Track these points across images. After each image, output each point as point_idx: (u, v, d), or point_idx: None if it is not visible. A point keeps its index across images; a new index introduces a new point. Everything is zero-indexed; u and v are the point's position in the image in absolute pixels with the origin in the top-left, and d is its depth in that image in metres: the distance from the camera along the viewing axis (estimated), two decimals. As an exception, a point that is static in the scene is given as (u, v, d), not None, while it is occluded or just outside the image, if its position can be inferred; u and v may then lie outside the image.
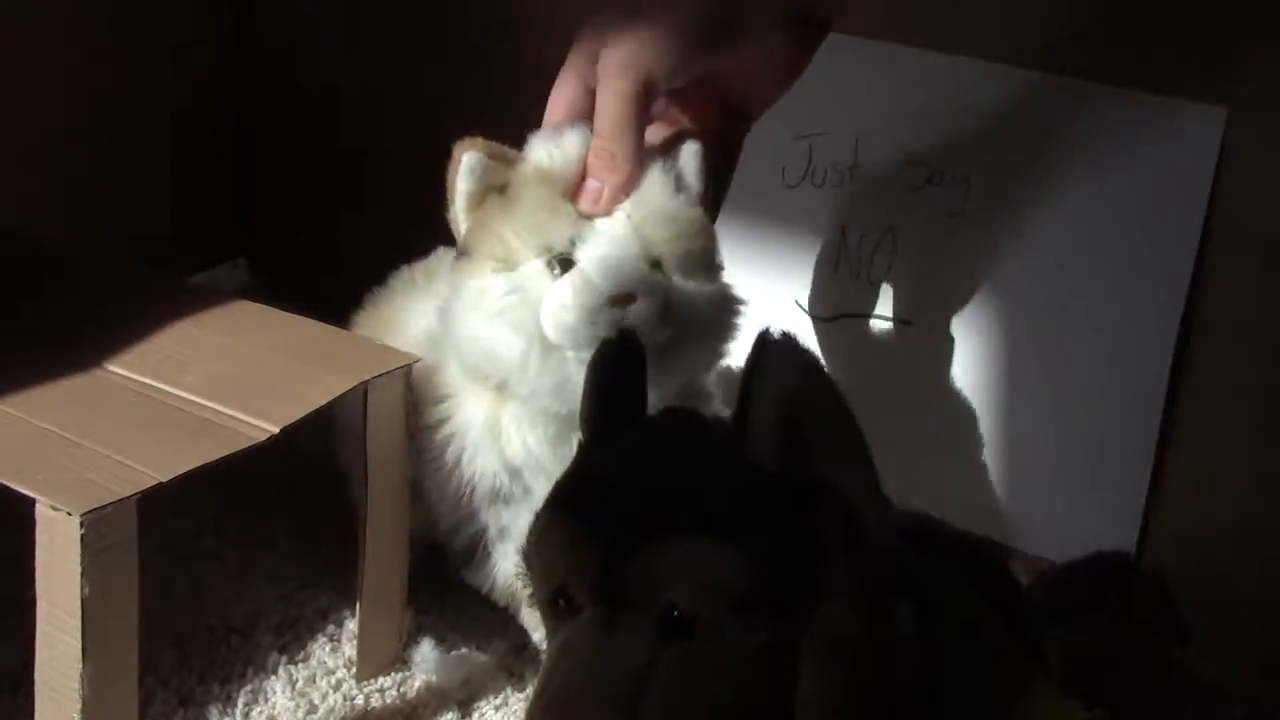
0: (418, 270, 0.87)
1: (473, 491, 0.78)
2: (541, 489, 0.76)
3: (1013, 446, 0.94)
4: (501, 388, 0.74)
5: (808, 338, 0.52)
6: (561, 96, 0.74)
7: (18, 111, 1.07)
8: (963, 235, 0.93)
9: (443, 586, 0.87)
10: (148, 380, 0.75)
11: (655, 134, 0.75)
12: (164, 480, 0.66)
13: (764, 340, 0.53)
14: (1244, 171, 0.84)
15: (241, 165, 1.25)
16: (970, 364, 0.94)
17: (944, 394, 0.95)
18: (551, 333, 0.71)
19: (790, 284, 0.99)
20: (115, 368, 0.76)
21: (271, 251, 1.26)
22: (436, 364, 0.78)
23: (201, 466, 0.67)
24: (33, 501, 0.64)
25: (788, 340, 0.53)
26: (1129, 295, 0.88)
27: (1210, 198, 0.85)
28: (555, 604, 0.56)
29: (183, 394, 0.73)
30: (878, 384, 0.97)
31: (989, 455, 0.94)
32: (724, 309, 0.75)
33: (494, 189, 0.74)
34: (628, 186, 0.71)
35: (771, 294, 0.99)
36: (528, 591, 0.77)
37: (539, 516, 0.57)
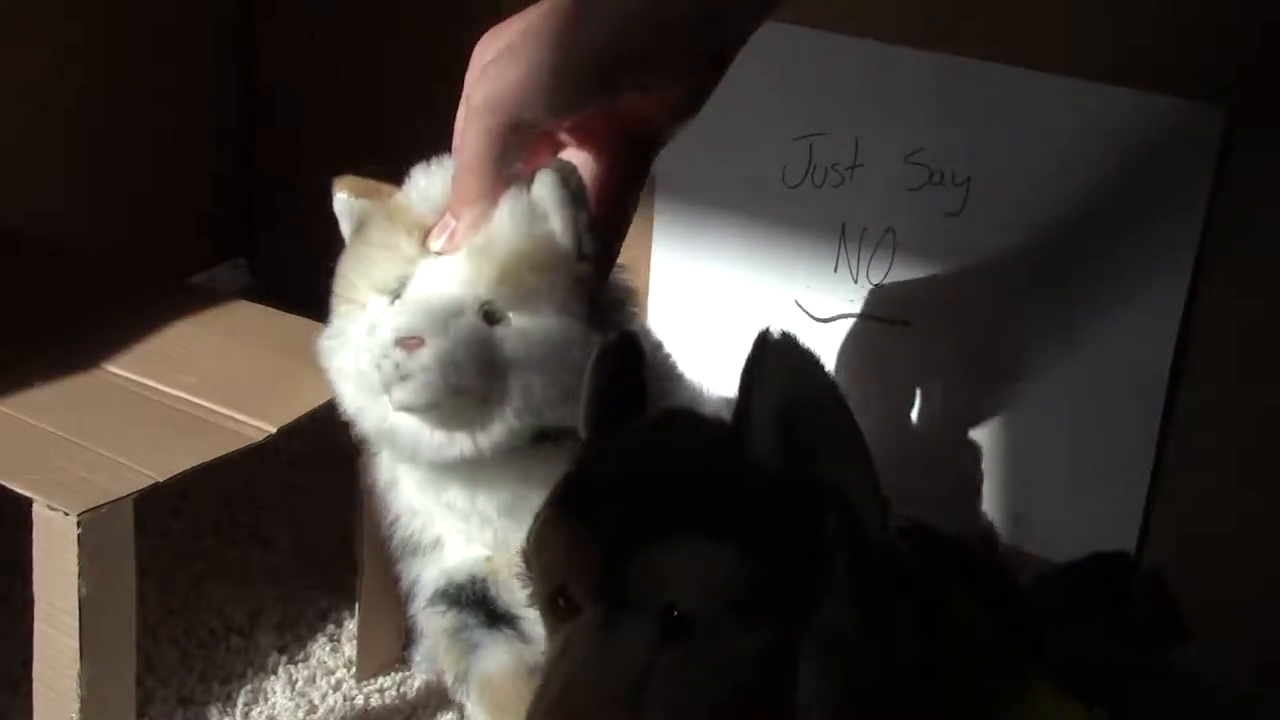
0: None
1: (393, 540, 0.75)
2: (448, 537, 0.73)
3: (1013, 447, 0.94)
4: None
5: (808, 338, 0.52)
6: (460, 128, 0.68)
7: (18, 111, 1.07)
8: (963, 235, 0.93)
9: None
10: (146, 380, 0.75)
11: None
12: (160, 480, 0.66)
13: (764, 340, 0.53)
14: (1244, 171, 0.84)
15: (241, 165, 1.25)
16: (969, 364, 0.94)
17: (943, 394, 0.95)
18: (356, 375, 0.67)
19: (790, 284, 0.99)
20: (114, 368, 0.76)
21: (271, 251, 1.26)
22: None
23: (198, 466, 0.67)
24: (30, 501, 0.64)
25: (788, 340, 0.53)
26: (1129, 295, 0.88)
27: (1210, 198, 0.85)
28: (555, 604, 0.56)
29: (181, 394, 0.73)
30: (878, 384, 0.97)
31: (988, 455, 0.94)
32: (566, 345, 0.67)
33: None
34: (480, 224, 0.66)
35: (771, 294, 0.99)
36: (447, 669, 0.73)
37: (539, 515, 0.57)
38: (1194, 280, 0.86)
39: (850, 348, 0.98)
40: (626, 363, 0.59)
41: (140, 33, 1.14)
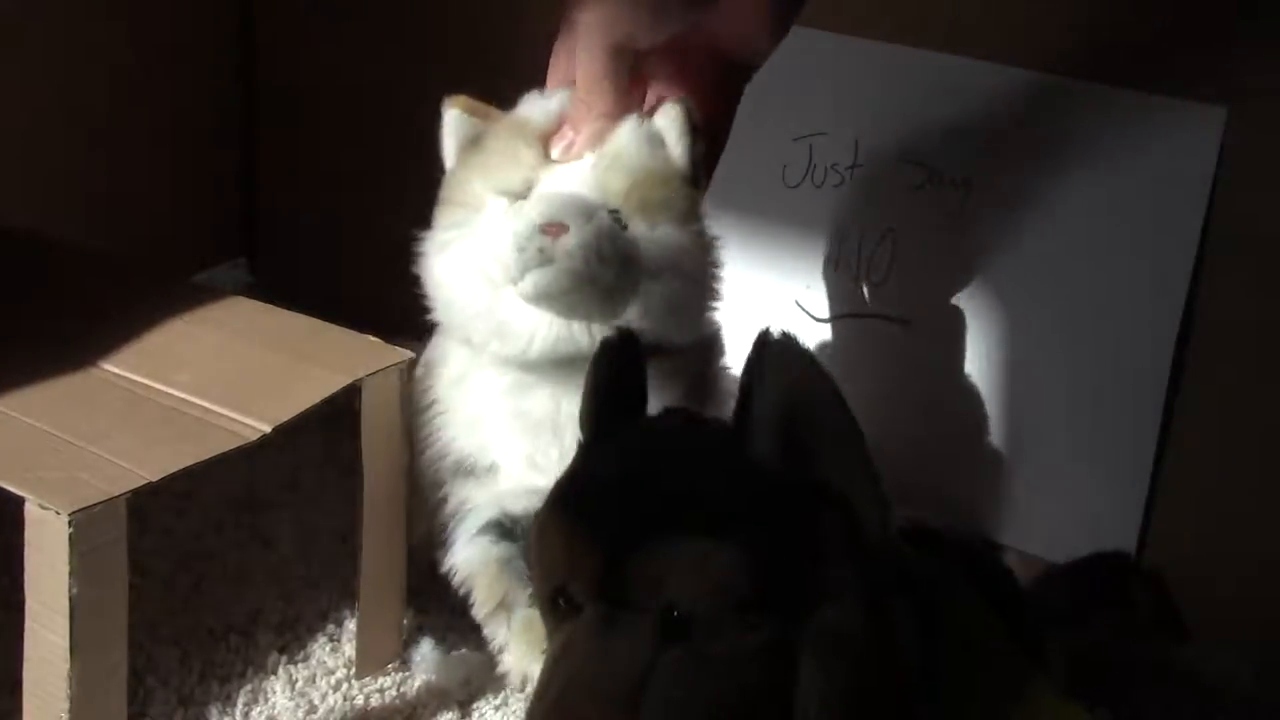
0: None
1: (444, 462, 0.77)
2: (507, 461, 0.75)
3: (1012, 447, 0.94)
4: (466, 339, 0.75)
5: (808, 338, 0.52)
6: (559, 66, 0.75)
7: (18, 111, 1.07)
8: (963, 235, 0.93)
9: (443, 586, 0.87)
10: (141, 379, 0.74)
11: (651, 95, 0.76)
12: (153, 480, 0.65)
13: (764, 340, 0.53)
14: (1244, 171, 0.84)
15: (241, 165, 1.25)
16: (969, 364, 0.94)
17: (943, 394, 0.95)
18: (489, 264, 0.71)
19: (790, 284, 0.99)
20: (110, 366, 0.76)
21: (271, 251, 1.26)
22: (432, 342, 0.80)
23: (192, 466, 0.67)
24: (22, 500, 0.63)
25: (788, 340, 0.53)
26: (1129, 295, 0.88)
27: (1210, 198, 0.85)
28: (555, 604, 0.56)
29: (176, 393, 0.73)
30: (878, 384, 0.97)
31: (988, 455, 0.94)
32: (682, 253, 0.73)
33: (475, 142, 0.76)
34: (599, 136, 0.72)
35: (771, 294, 0.99)
36: (486, 597, 0.77)
37: (539, 515, 0.57)
38: (1194, 280, 0.86)
39: (850, 348, 0.98)
40: (627, 362, 0.59)
41: (140, 33, 1.14)
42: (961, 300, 0.94)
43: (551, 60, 0.75)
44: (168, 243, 1.19)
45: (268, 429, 0.70)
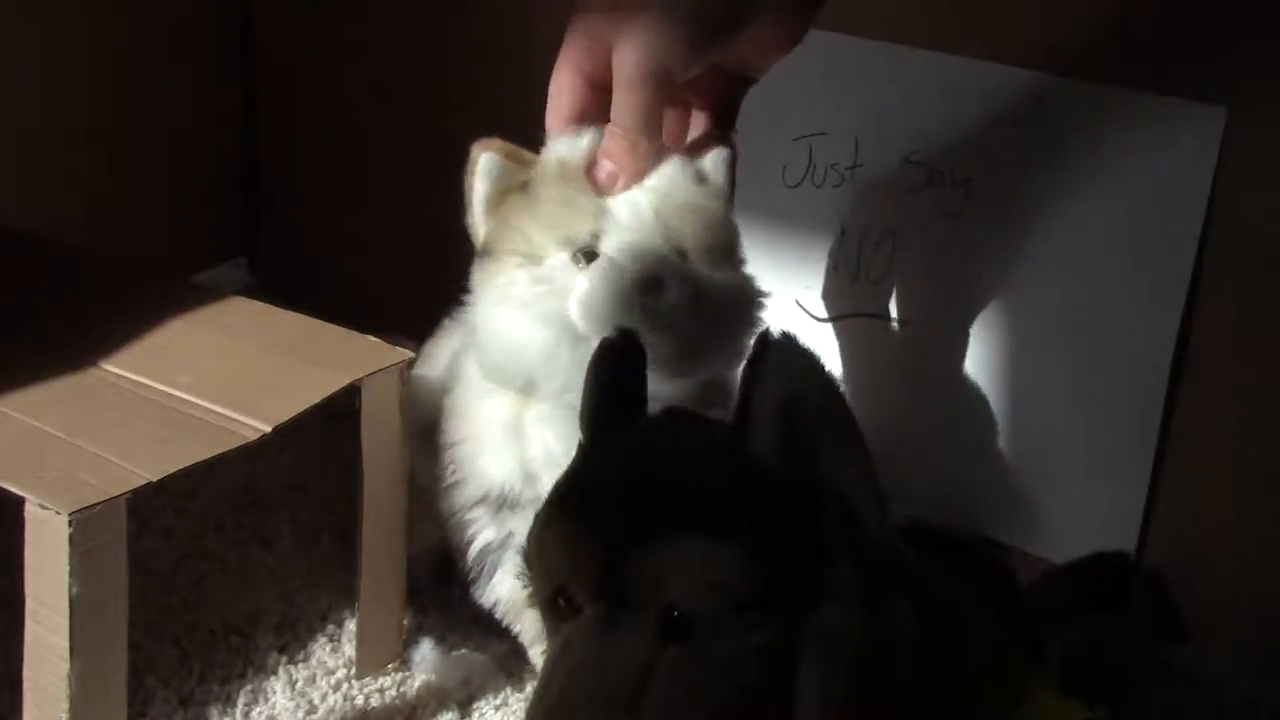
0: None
1: (485, 498, 0.77)
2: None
3: (1012, 447, 0.94)
4: (526, 389, 0.74)
5: (808, 338, 0.52)
6: (563, 94, 0.74)
7: (18, 111, 1.07)
8: (963, 235, 0.93)
9: (443, 587, 0.87)
10: (141, 379, 0.74)
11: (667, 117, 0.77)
12: (153, 480, 0.65)
13: (764, 340, 0.53)
14: (1244, 171, 0.84)
15: (242, 165, 1.25)
16: (970, 364, 0.94)
17: (943, 394, 0.95)
18: (582, 322, 0.70)
19: (790, 284, 0.99)
20: (110, 366, 0.76)
21: (271, 251, 1.26)
22: (458, 378, 0.79)
23: (191, 466, 0.67)
24: (22, 500, 0.64)
25: (788, 340, 0.53)
26: (1129, 295, 0.88)
27: (1210, 198, 0.85)
28: (555, 604, 0.56)
29: (176, 393, 0.73)
30: (878, 384, 0.97)
31: (988, 455, 0.94)
32: (749, 301, 0.75)
33: (513, 188, 0.74)
34: (645, 173, 0.72)
35: (772, 294, 0.99)
36: (529, 603, 0.78)
37: (539, 516, 0.57)
38: (1194, 280, 0.86)
39: (850, 348, 0.98)
40: (627, 362, 0.59)
41: (140, 33, 1.14)
42: (961, 300, 0.94)
43: (553, 88, 0.74)
44: (168, 243, 1.19)
45: (268, 429, 0.70)
